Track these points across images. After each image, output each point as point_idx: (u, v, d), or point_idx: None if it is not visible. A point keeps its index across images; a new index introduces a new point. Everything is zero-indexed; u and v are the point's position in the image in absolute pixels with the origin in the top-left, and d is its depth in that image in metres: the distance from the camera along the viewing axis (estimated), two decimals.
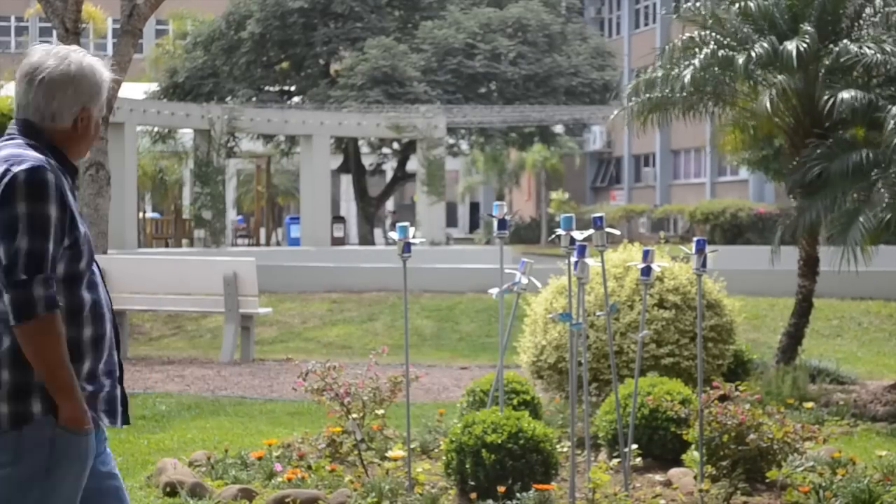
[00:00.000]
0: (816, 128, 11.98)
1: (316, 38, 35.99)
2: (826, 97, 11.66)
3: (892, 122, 10.92)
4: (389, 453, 7.87)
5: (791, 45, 11.57)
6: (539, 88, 36.43)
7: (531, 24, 36.78)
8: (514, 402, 8.56)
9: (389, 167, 42.01)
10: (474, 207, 59.25)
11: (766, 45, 11.77)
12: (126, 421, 3.78)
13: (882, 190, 11.17)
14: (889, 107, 11.17)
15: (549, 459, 7.09)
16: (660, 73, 12.58)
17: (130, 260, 17.65)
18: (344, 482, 7.34)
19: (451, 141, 38.54)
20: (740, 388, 8.14)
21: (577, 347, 7.57)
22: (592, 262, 7.26)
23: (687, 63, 12.15)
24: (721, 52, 12.10)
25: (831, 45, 12.04)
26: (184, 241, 33.53)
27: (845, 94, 11.40)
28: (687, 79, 11.89)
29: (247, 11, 36.24)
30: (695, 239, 7.45)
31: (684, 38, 12.76)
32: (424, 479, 7.32)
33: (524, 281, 7.58)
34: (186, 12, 42.54)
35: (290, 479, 7.42)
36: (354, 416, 7.91)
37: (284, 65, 37.93)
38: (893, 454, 8.14)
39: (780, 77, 11.88)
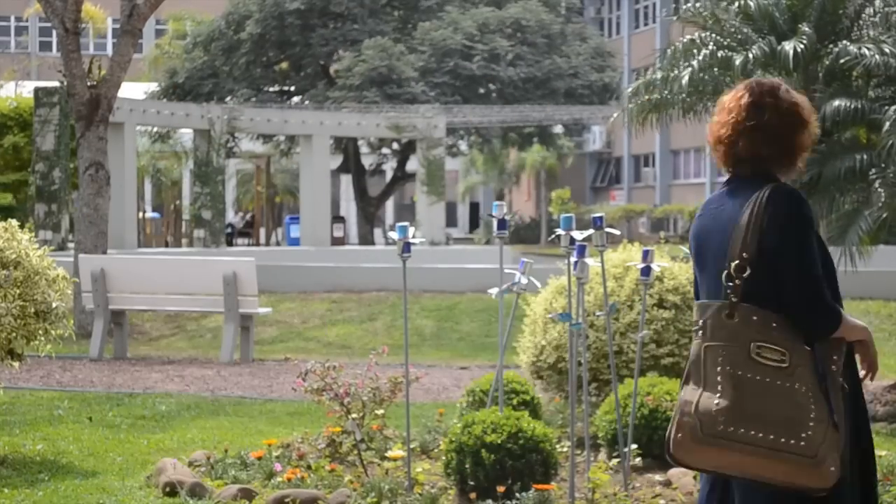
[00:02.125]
0: (823, 124, 11.98)
1: (314, 38, 36.02)
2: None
3: (888, 123, 10.93)
4: (389, 453, 7.87)
5: (789, 46, 11.58)
6: (538, 90, 36.42)
7: (530, 24, 36.77)
8: (514, 402, 8.56)
9: (389, 167, 42.03)
10: (474, 207, 59.27)
11: (764, 46, 11.78)
12: None
13: (880, 190, 11.17)
14: (887, 108, 11.17)
15: (548, 459, 7.09)
16: (659, 75, 12.60)
17: (130, 260, 17.66)
18: (343, 482, 7.34)
19: (451, 141, 38.56)
20: None
21: (577, 347, 7.57)
22: (592, 262, 7.25)
23: (686, 64, 12.16)
24: (720, 53, 12.11)
25: (831, 45, 12.05)
26: (183, 240, 33.55)
27: (836, 103, 11.43)
28: (685, 80, 11.91)
29: (246, 12, 36.27)
30: None
31: (685, 40, 12.76)
32: (424, 479, 7.32)
33: (524, 281, 7.57)
34: (186, 13, 42.57)
35: (289, 479, 7.43)
36: (354, 416, 7.91)
37: (284, 65, 37.96)
38: (893, 454, 8.14)
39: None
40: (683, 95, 12.35)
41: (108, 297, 15.06)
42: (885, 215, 11.03)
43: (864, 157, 11.32)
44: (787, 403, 3.73)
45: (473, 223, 57.33)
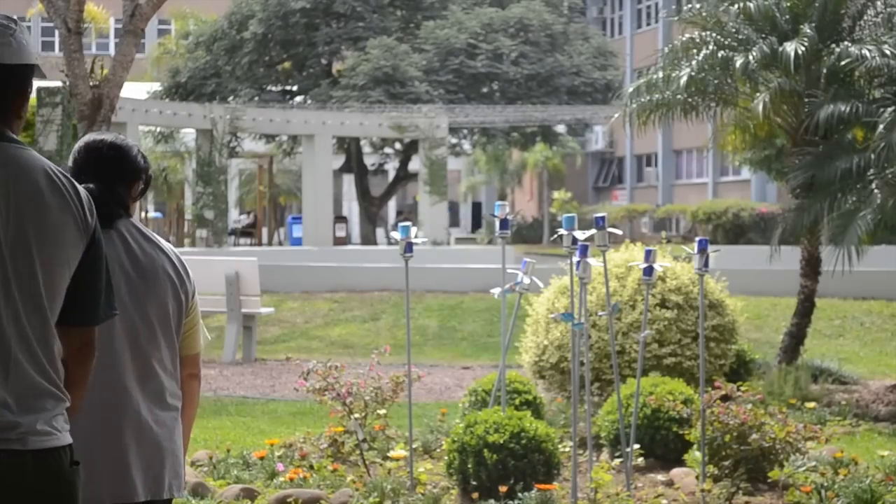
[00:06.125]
0: (817, 128, 11.99)
1: (318, 37, 36.02)
2: (806, 111, 11.75)
3: (882, 126, 10.95)
4: (391, 453, 7.87)
5: (790, 47, 11.57)
6: (541, 88, 36.45)
7: (533, 23, 36.81)
8: (517, 401, 8.57)
9: (391, 167, 42.02)
10: (476, 207, 59.20)
11: (765, 47, 11.78)
12: None
13: (875, 191, 11.18)
14: (883, 110, 11.19)
15: (551, 459, 7.10)
16: (660, 75, 12.60)
17: None
18: (346, 482, 7.34)
19: (454, 141, 38.55)
20: (742, 387, 8.15)
21: (579, 347, 7.58)
22: (594, 261, 7.26)
23: (686, 64, 12.17)
24: (721, 53, 12.11)
25: (833, 45, 12.04)
26: (185, 240, 33.55)
27: (831, 107, 11.44)
28: (683, 81, 11.91)
29: (249, 11, 36.27)
30: (697, 239, 7.45)
31: (684, 38, 12.76)
32: (426, 478, 7.33)
33: (526, 281, 7.58)
34: (189, 12, 42.53)
35: (292, 479, 7.43)
36: (356, 415, 7.92)
37: (287, 64, 37.96)
38: (895, 454, 8.14)
39: (777, 79, 11.89)
40: (684, 96, 12.36)
41: None
42: (879, 217, 11.03)
43: (862, 158, 11.32)
44: None
45: (476, 223, 57.27)
